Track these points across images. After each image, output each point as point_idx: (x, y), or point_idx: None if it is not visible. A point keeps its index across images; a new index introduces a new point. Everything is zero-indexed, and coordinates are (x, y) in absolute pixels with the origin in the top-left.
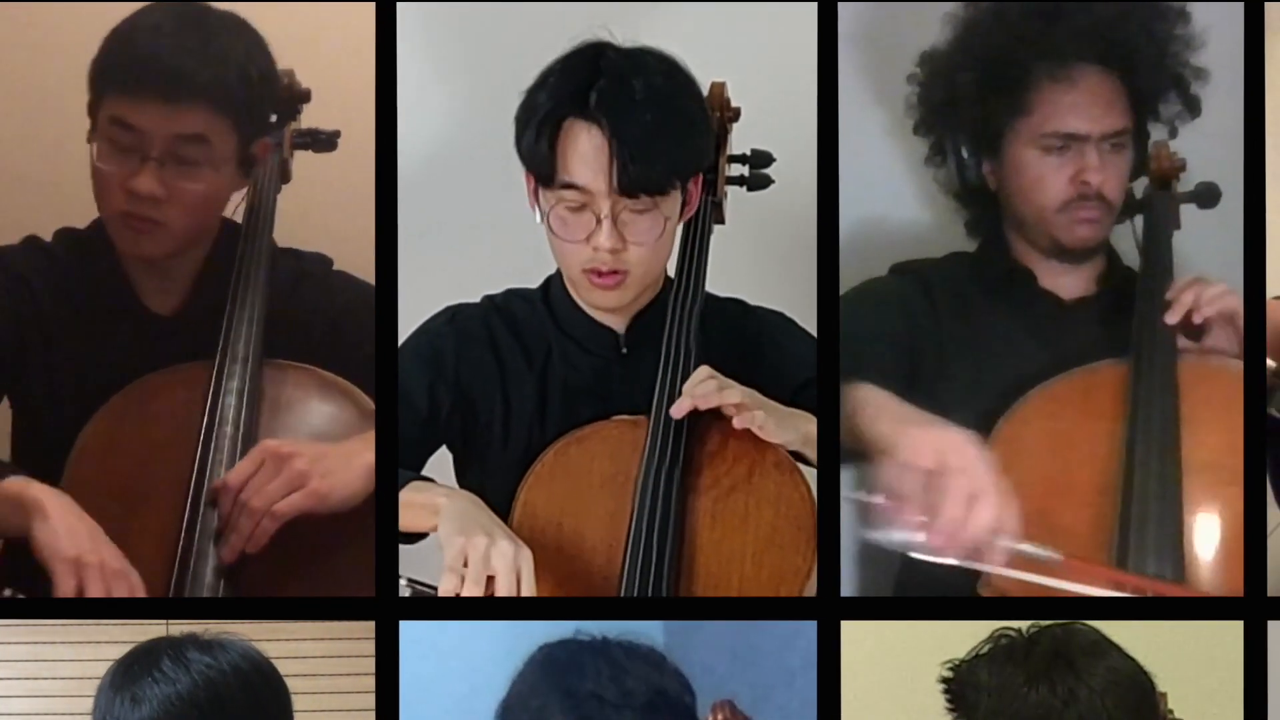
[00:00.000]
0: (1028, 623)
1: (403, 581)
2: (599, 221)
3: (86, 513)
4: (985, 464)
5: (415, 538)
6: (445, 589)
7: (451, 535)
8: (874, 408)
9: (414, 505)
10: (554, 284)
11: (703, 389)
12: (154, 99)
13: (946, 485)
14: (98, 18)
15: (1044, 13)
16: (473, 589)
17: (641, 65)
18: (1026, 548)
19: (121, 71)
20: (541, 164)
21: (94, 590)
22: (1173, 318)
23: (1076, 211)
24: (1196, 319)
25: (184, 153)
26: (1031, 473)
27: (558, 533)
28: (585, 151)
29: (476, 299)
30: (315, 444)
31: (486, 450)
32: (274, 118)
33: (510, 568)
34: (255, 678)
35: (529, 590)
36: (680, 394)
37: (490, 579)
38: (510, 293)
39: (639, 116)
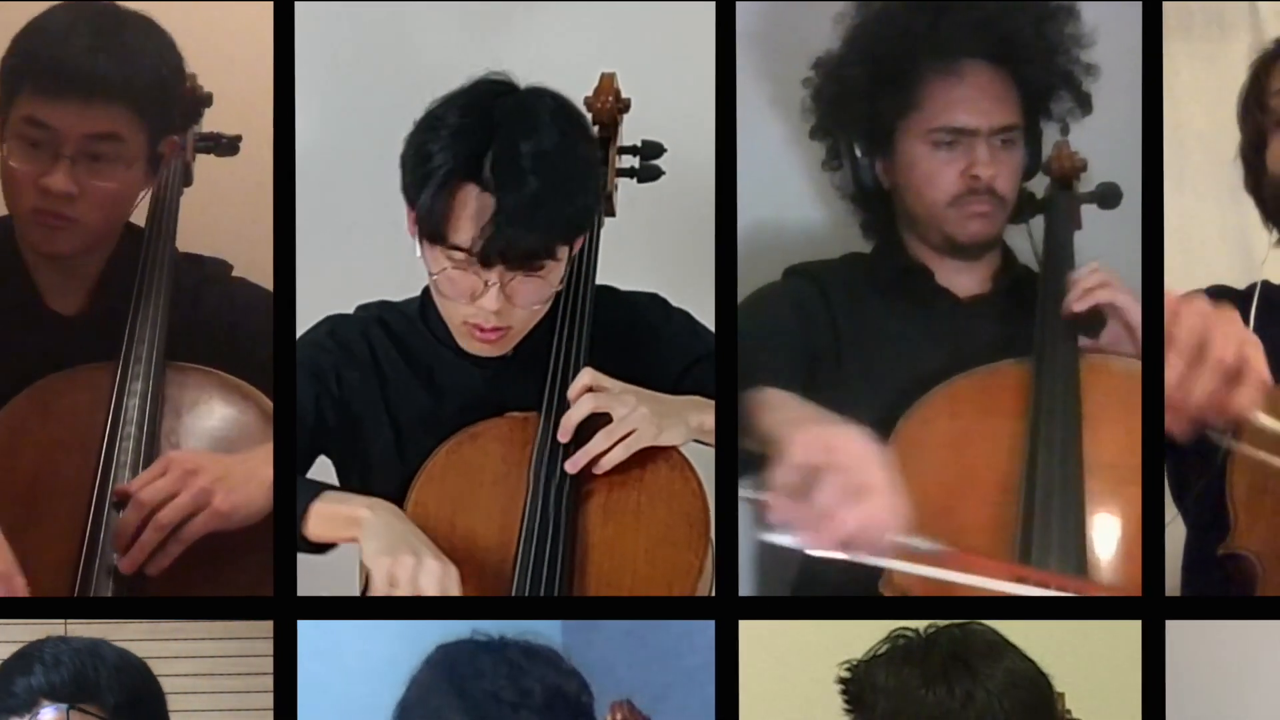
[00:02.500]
0: (925, 622)
1: None
2: (486, 286)
3: None
4: (873, 459)
5: (326, 547)
6: None
7: (377, 555)
8: (772, 409)
9: (334, 517)
10: (429, 309)
11: (577, 411)
12: (69, 98)
13: (828, 480)
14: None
15: (930, 9)
16: None
17: (534, 119)
18: (913, 541)
19: (36, 71)
20: (433, 224)
21: None
22: (1080, 305)
23: (967, 206)
24: (1079, 306)
25: (97, 150)
26: (933, 472)
27: (450, 530)
28: (474, 214)
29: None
30: (220, 458)
31: (369, 460)
32: (179, 119)
33: (439, 587)
34: (138, 663)
35: None
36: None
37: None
38: (385, 304)
39: (525, 185)
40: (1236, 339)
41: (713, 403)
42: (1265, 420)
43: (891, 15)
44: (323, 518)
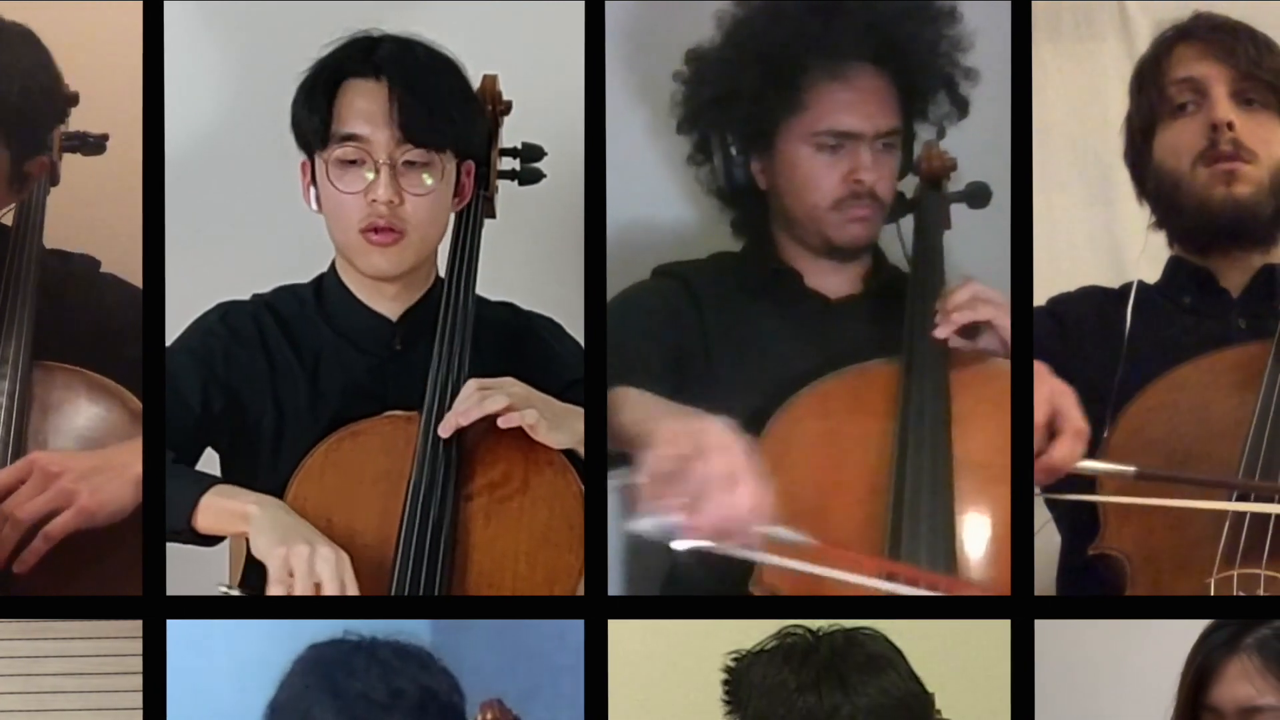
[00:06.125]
0: (819, 622)
1: (235, 591)
2: (377, 172)
3: None
4: (741, 448)
5: (214, 539)
6: None
7: (271, 546)
8: (634, 405)
9: (222, 510)
10: (326, 279)
11: (464, 404)
12: None
13: (702, 468)
14: None
15: (823, 10)
16: None
17: (418, 41)
18: (780, 531)
19: None
20: (319, 123)
21: None
22: (942, 332)
23: (849, 210)
24: (959, 319)
25: None
26: (803, 472)
27: (327, 528)
28: (364, 104)
29: (247, 297)
30: (85, 456)
31: (256, 452)
32: (46, 137)
33: (335, 574)
34: None
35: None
36: (455, 390)
37: (317, 586)
38: (280, 290)
39: (423, 73)
40: (1046, 395)
41: None
42: (1086, 466)
43: (781, 15)
44: (212, 511)
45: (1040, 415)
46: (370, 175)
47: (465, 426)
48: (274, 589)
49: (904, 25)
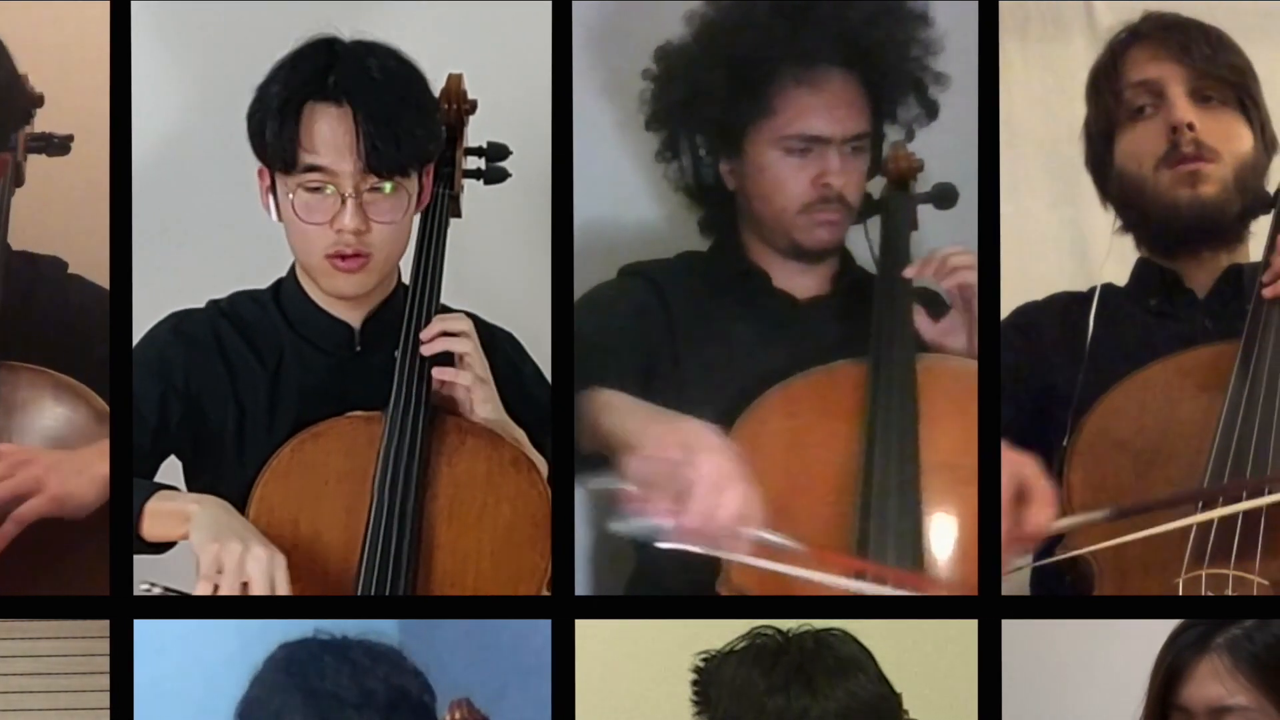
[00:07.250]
0: (790, 623)
1: (157, 589)
2: (343, 202)
3: None
4: (729, 453)
5: (164, 547)
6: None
7: (205, 542)
8: (615, 409)
9: (164, 514)
10: (285, 284)
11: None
12: None
13: (692, 473)
14: None
15: (792, 14)
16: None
17: (372, 50)
18: (771, 536)
19: None
20: (284, 150)
21: None
22: (912, 272)
23: (817, 213)
24: (945, 283)
25: None
26: (770, 472)
27: (294, 529)
28: (328, 133)
29: (203, 303)
30: (51, 451)
31: (219, 456)
32: (9, 128)
33: (265, 573)
34: None
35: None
36: (419, 389)
37: (245, 585)
38: (238, 295)
39: (380, 95)
40: (1011, 471)
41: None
42: (1060, 525)
43: (751, 19)
44: (155, 516)
45: (1008, 491)
46: (336, 203)
47: (431, 423)
48: (201, 585)
49: (874, 29)
